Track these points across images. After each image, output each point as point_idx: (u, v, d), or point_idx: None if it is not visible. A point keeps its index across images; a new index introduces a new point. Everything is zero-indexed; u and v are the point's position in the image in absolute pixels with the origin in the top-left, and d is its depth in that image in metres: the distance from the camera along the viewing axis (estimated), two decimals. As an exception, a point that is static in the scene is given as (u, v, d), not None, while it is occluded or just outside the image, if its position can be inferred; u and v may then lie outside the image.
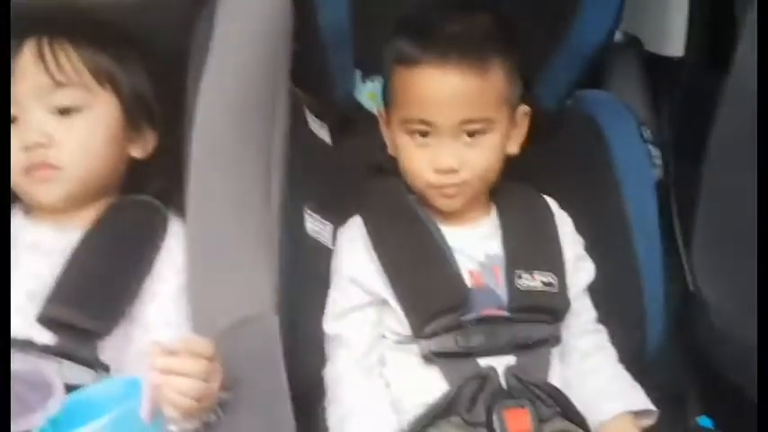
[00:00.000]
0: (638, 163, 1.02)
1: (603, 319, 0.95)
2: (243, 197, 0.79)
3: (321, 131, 1.01)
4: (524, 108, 0.93)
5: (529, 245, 0.92)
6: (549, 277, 0.89)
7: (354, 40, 0.96)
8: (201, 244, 0.79)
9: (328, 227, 0.95)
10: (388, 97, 0.93)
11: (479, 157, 0.88)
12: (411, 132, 0.89)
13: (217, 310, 0.77)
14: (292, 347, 0.79)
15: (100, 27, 0.82)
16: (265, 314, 0.77)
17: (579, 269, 0.94)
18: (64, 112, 0.79)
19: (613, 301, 0.96)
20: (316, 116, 1.00)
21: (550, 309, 0.90)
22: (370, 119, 1.01)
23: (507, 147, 0.91)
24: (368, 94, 1.04)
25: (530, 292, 0.88)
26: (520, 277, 0.89)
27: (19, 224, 0.81)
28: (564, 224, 0.96)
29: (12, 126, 0.78)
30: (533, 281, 0.89)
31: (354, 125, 1.03)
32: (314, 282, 0.91)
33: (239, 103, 0.79)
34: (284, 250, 0.83)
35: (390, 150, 0.94)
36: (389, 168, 0.95)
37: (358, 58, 0.99)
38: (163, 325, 0.77)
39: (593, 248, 0.96)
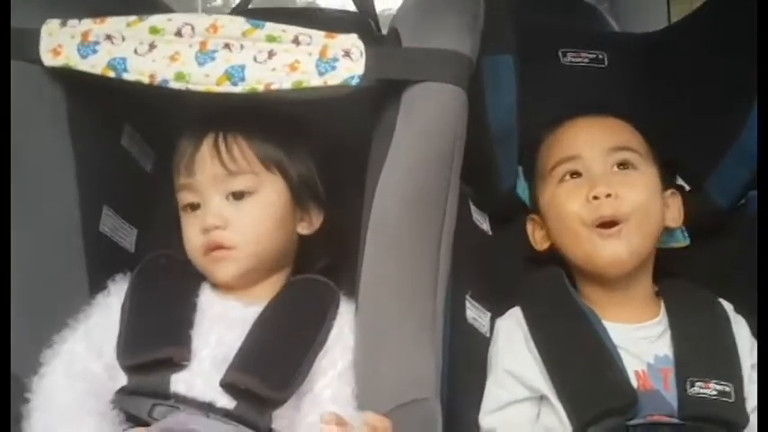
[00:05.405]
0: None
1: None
2: (412, 284, 0.83)
3: (482, 222, 1.03)
4: (670, 190, 0.96)
5: (703, 350, 0.88)
6: (726, 387, 0.84)
7: (519, 137, 0.98)
8: (371, 326, 0.82)
9: (486, 315, 0.96)
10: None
11: (631, 190, 0.90)
12: (561, 178, 0.93)
13: (382, 391, 0.79)
14: (449, 432, 0.79)
15: (270, 120, 0.89)
16: (429, 399, 0.79)
17: (756, 380, 0.87)
18: (238, 196, 0.86)
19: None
20: (477, 207, 1.02)
21: (726, 420, 0.84)
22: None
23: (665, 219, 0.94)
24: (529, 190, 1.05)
25: (703, 400, 0.84)
26: (693, 385, 0.84)
27: (207, 297, 0.87)
28: (740, 329, 0.91)
29: (194, 212, 0.87)
30: (708, 389, 0.84)
31: (514, 217, 1.05)
32: (470, 369, 0.91)
33: (415, 196, 0.83)
34: (446, 336, 0.84)
35: (539, 244, 0.98)
36: (548, 260, 0.95)
37: (521, 155, 1.01)
38: (330, 400, 0.80)
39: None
